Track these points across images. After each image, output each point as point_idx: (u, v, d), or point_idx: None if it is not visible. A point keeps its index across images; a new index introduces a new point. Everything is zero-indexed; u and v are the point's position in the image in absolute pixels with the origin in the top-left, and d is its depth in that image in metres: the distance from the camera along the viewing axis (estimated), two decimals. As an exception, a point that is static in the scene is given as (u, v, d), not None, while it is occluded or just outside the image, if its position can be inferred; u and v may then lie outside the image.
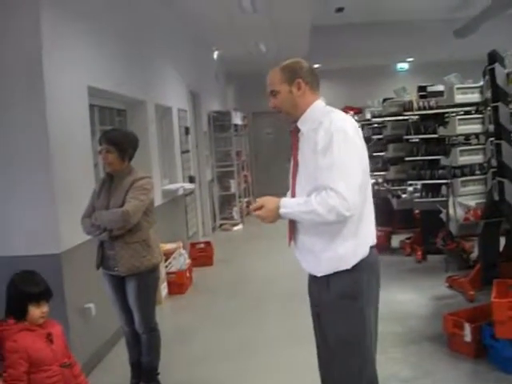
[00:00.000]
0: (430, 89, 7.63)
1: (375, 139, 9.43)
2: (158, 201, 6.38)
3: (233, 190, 11.74)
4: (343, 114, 2.69)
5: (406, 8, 11.03)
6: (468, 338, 4.25)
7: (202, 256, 8.09)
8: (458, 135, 6.71)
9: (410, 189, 7.92)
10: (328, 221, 2.48)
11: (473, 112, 6.54)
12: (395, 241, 8.32)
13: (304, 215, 2.54)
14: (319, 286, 2.68)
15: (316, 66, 11.66)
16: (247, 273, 7.73)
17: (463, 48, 11.47)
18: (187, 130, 8.82)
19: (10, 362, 2.87)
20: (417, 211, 7.88)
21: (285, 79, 2.68)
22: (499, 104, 5.03)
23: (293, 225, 2.72)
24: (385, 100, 8.88)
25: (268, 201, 2.63)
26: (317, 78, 2.75)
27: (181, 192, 8.10)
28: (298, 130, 2.72)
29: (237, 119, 12.24)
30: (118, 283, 3.92)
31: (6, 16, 4.01)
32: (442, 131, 6.78)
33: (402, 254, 7.83)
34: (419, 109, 7.34)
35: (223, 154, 11.84)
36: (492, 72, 5.10)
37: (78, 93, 4.76)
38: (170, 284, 6.65)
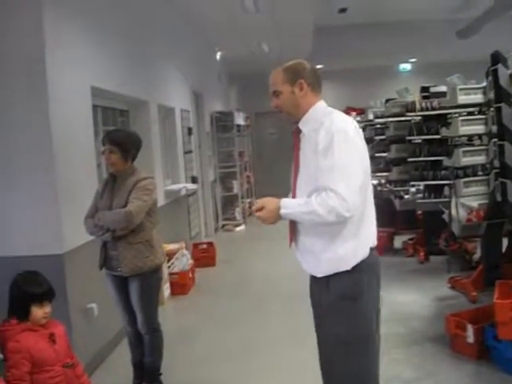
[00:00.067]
0: (432, 89, 7.63)
1: (378, 140, 9.42)
2: (161, 201, 6.38)
3: (235, 190, 11.74)
4: (344, 115, 2.70)
5: (408, 9, 11.03)
6: (470, 339, 4.24)
7: (204, 256, 8.09)
8: (460, 136, 6.69)
9: (413, 189, 7.92)
10: (328, 221, 2.48)
11: (476, 113, 6.53)
12: (398, 241, 8.31)
13: (304, 216, 2.55)
14: (319, 286, 2.69)
15: (319, 66, 11.66)
16: (250, 273, 7.73)
17: (466, 49, 11.46)
18: (190, 131, 8.82)
19: (12, 362, 2.88)
20: (419, 212, 7.89)
21: (287, 80, 2.69)
22: (502, 105, 5.02)
23: (293, 226, 2.72)
24: (387, 101, 8.87)
25: (268, 202, 2.63)
26: (319, 80, 2.76)
27: (183, 192, 8.11)
28: (299, 131, 2.73)
29: (239, 120, 12.26)
30: (121, 283, 3.92)
31: (8, 15, 4.02)
32: (444, 132, 6.77)
33: (405, 255, 7.82)
34: (422, 109, 7.33)
35: (226, 155, 11.84)
36: (495, 73, 5.09)
37: (81, 93, 4.76)
38: (172, 284, 6.65)
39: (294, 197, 2.73)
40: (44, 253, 4.08)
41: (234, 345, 5.06)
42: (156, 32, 7.15)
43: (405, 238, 8.23)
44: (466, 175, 6.43)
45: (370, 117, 10.21)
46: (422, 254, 7.43)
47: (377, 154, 9.07)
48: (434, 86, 7.72)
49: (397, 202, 8.04)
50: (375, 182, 8.92)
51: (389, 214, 8.24)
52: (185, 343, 5.15)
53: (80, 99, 4.73)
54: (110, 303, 4.09)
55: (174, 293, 6.64)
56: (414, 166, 7.47)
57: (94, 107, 5.19)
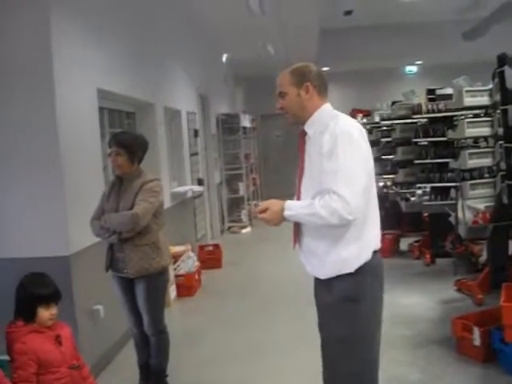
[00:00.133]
0: (438, 92, 7.62)
1: (384, 142, 9.42)
2: (167, 203, 6.40)
3: (241, 192, 11.75)
4: (350, 118, 2.71)
5: (414, 11, 11.02)
6: (477, 341, 4.23)
7: (210, 258, 8.10)
8: (466, 138, 6.70)
9: (419, 192, 7.89)
10: (331, 224, 2.49)
11: (482, 115, 6.53)
12: (404, 244, 8.29)
13: (307, 218, 2.56)
14: (323, 288, 2.70)
15: (324, 68, 11.67)
16: (256, 275, 7.73)
17: (472, 51, 11.44)
18: (196, 133, 8.84)
19: (19, 363, 2.89)
20: (425, 214, 7.87)
21: (293, 82, 2.70)
22: (508, 107, 5.02)
23: (298, 228, 2.73)
24: (393, 103, 8.88)
25: (272, 204, 2.65)
26: (325, 83, 2.76)
27: (189, 194, 8.12)
28: (304, 134, 2.74)
29: (245, 122, 12.26)
30: (127, 285, 3.93)
31: (14, 16, 4.03)
32: (450, 134, 6.77)
33: (411, 257, 7.80)
34: (428, 112, 7.33)
35: (232, 157, 11.85)
36: (501, 75, 5.09)
37: (88, 95, 4.78)
38: (178, 286, 6.66)
39: (298, 199, 2.73)
40: (50, 254, 4.09)
41: (240, 347, 5.06)
42: (162, 34, 7.17)
43: (411, 240, 8.20)
44: (472, 177, 6.43)
45: (376, 119, 10.22)
46: (428, 256, 7.41)
47: (383, 156, 9.07)
48: (440, 88, 7.72)
49: (403, 204, 8.03)
50: (381, 184, 8.92)
51: (395, 216, 8.24)
52: (191, 345, 5.15)
53: (86, 101, 4.74)
54: (116, 305, 4.09)
55: (180, 295, 6.65)
56: (421, 168, 7.46)
57: (101, 109, 5.21)
